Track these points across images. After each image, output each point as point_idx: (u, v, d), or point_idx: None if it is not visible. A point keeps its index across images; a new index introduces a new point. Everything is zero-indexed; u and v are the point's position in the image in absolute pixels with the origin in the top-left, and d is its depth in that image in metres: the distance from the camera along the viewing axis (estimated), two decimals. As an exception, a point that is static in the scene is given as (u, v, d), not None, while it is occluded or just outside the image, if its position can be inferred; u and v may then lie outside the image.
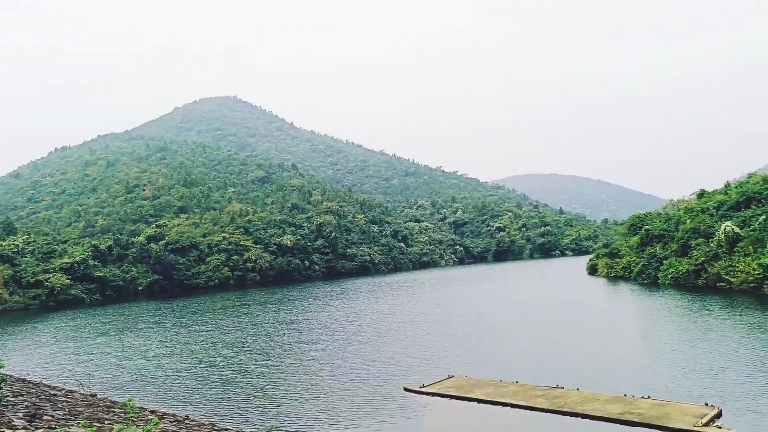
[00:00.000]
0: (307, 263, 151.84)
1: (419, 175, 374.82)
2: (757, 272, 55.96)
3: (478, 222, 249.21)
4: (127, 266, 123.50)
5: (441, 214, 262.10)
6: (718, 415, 20.82)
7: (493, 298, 72.90)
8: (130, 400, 12.48)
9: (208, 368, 34.98)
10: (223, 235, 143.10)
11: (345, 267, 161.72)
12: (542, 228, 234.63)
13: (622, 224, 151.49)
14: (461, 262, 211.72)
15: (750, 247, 60.72)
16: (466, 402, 25.11)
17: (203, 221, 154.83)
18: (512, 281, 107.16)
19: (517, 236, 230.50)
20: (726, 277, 60.94)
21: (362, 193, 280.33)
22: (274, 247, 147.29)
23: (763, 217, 62.48)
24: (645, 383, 25.66)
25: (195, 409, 25.52)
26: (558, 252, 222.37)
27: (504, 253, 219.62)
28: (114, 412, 20.36)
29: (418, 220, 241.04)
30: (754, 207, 68.38)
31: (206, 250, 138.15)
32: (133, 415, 12.60)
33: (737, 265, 60.09)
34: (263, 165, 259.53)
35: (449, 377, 29.14)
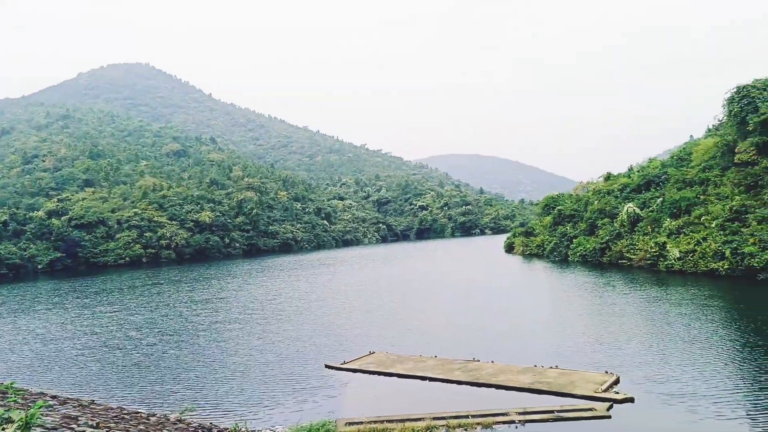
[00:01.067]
0: (226, 240, 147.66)
1: (343, 153, 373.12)
2: (653, 250, 60.33)
3: (401, 200, 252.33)
4: (24, 243, 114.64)
5: (365, 192, 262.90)
6: (616, 382, 22.24)
7: (414, 276, 74.14)
8: (12, 383, 11.30)
9: (114, 351, 33.07)
10: (135, 210, 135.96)
11: (267, 244, 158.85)
12: (463, 207, 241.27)
13: (537, 205, 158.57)
14: (384, 240, 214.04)
15: (648, 226, 65.32)
16: (386, 377, 25.32)
17: (112, 196, 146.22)
18: (433, 259, 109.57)
19: (439, 215, 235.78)
20: (627, 255, 65.36)
21: (285, 170, 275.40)
22: (191, 223, 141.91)
23: (660, 199, 67.28)
24: (554, 354, 26.94)
25: (100, 394, 24.03)
26: (478, 231, 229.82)
27: (426, 232, 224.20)
28: None
29: (341, 198, 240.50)
30: (653, 190, 73.50)
31: (115, 226, 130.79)
32: (15, 398, 11.43)
33: (637, 243, 64.55)
34: (179, 138, 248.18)
35: (370, 353, 29.26)
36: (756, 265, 46.83)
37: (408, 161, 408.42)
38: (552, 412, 19.38)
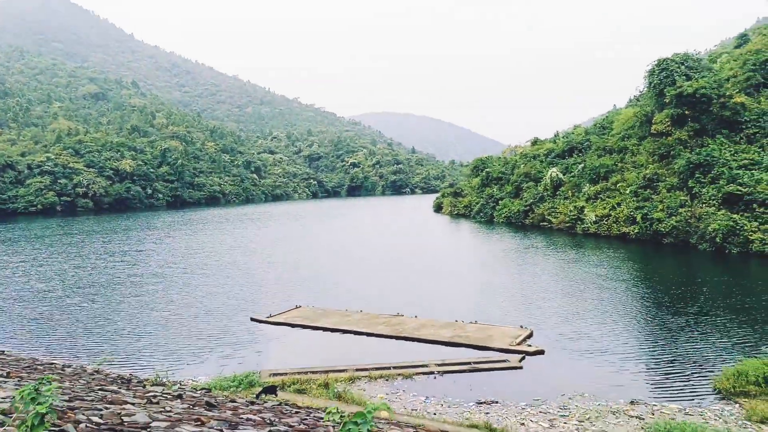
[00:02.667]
0: (149, 191, 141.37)
1: (275, 105, 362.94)
2: (572, 214, 63.50)
3: (333, 157, 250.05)
4: None
5: (296, 147, 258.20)
6: (530, 336, 23.58)
7: (343, 232, 74.37)
8: None
9: (21, 304, 31.26)
10: (48, 155, 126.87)
11: (192, 197, 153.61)
12: (395, 166, 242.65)
13: (466, 166, 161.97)
14: (315, 196, 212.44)
15: (569, 191, 68.47)
16: (312, 330, 25.53)
17: (22, 138, 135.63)
18: (363, 216, 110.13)
19: (371, 173, 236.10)
20: (548, 218, 68.45)
21: (213, 120, 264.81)
22: (111, 171, 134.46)
23: (582, 165, 70.47)
24: (474, 310, 28.05)
25: (9, 345, 22.72)
26: (408, 190, 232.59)
27: (357, 189, 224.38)
28: None
29: (272, 152, 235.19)
30: (576, 156, 76.78)
31: (26, 171, 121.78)
32: None
33: (558, 207, 67.64)
34: (97, 79, 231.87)
35: (296, 307, 29.31)
36: (663, 230, 50.36)
37: (341, 117, 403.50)
38: (469, 363, 20.32)
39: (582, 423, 15.26)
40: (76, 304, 30.71)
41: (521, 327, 24.82)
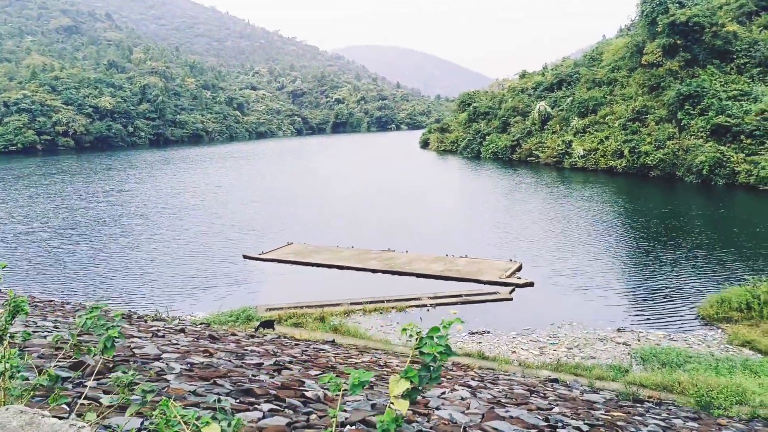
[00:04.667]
0: (130, 129, 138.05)
1: (255, 39, 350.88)
2: (560, 148, 63.42)
3: (317, 93, 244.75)
4: None
5: (279, 82, 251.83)
6: (519, 269, 24.02)
7: (331, 170, 73.88)
8: None
9: (3, 245, 30.96)
10: (24, 92, 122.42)
11: (175, 135, 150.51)
12: (380, 102, 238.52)
13: (453, 101, 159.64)
14: (299, 133, 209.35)
15: (557, 125, 68.06)
16: (304, 266, 25.75)
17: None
18: (350, 153, 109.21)
19: (356, 109, 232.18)
20: (536, 152, 68.33)
21: (192, 54, 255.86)
22: (90, 109, 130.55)
23: (570, 98, 69.74)
24: (464, 244, 28.37)
25: (-2, 287, 22.62)
26: (394, 126, 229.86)
27: (342, 126, 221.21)
28: None
29: (254, 88, 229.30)
30: (564, 89, 75.78)
31: (2, 108, 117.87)
32: None
33: (546, 141, 67.41)
34: (69, 11, 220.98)
35: (288, 244, 29.43)
36: (650, 162, 50.62)
37: (324, 51, 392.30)
38: (460, 296, 20.74)
39: (571, 350, 15.79)
40: (61, 246, 30.50)
41: (511, 260, 25.23)
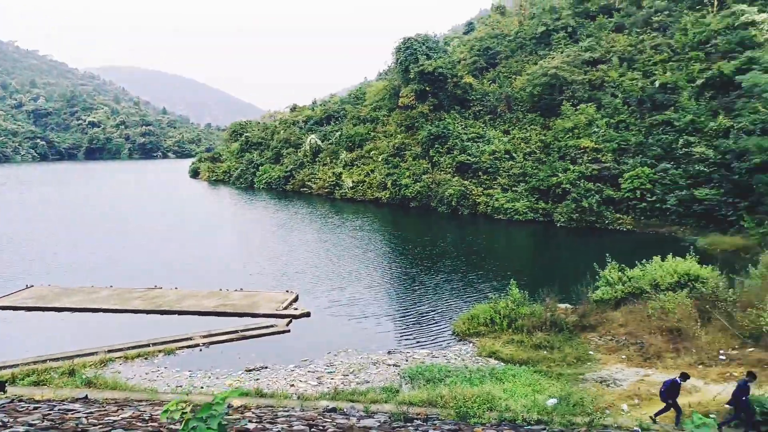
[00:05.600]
0: None
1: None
2: (331, 180, 66.37)
3: (66, 114, 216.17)
4: None
5: (15, 99, 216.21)
6: (296, 299, 24.15)
7: (85, 200, 65.41)
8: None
9: None
10: None
11: None
12: (143, 127, 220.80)
13: (224, 130, 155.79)
14: (44, 158, 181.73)
15: (328, 158, 71.23)
16: (51, 312, 22.05)
17: None
18: (107, 182, 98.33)
19: (115, 134, 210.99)
20: (308, 183, 70.33)
21: None
22: None
23: (339, 132, 73.80)
24: (240, 278, 27.51)
25: None
26: (160, 154, 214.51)
27: (99, 152, 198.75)
28: None
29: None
30: (333, 123, 79.97)
31: None
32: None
33: (317, 173, 69.92)
34: None
35: (27, 287, 24.98)
36: (409, 194, 55.95)
37: (74, 69, 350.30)
38: (236, 332, 19.88)
39: (347, 376, 16.25)
40: None
41: (287, 291, 25.20)
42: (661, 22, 54.15)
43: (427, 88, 62.77)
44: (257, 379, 15.76)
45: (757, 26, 45.32)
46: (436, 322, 21.56)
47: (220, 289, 25.10)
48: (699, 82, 44.97)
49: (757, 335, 15.98)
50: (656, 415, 12.05)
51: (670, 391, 11.86)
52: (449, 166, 54.86)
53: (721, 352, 16.00)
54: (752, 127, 36.90)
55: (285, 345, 19.16)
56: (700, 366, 15.48)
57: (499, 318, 19.63)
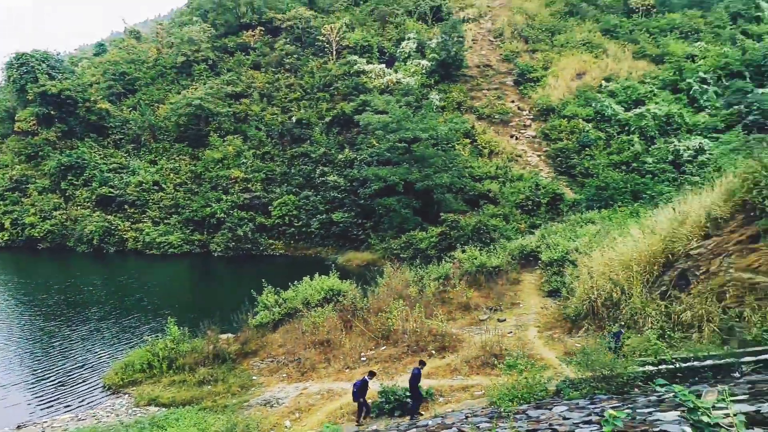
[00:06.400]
0: None
1: None
2: None
3: None
4: None
5: None
6: None
7: None
8: None
9: None
10: None
11: None
12: None
13: None
14: None
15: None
16: None
17: None
18: None
19: None
20: None
21: None
22: None
23: None
24: None
25: None
26: None
27: None
28: None
29: None
30: None
31: None
32: None
33: None
34: None
35: None
36: (37, 234, 47.60)
37: None
38: None
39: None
40: None
41: None
42: (291, 64, 59.97)
43: (53, 112, 54.81)
44: None
45: (367, 74, 54.57)
46: (84, 380, 18.77)
47: None
48: (327, 119, 51.49)
49: (387, 334, 18.97)
50: (358, 418, 13.19)
51: (361, 390, 13.14)
52: (88, 200, 49.00)
53: (362, 354, 18.40)
54: (370, 158, 44.11)
55: None
56: (347, 370, 17.46)
57: (158, 360, 18.29)
